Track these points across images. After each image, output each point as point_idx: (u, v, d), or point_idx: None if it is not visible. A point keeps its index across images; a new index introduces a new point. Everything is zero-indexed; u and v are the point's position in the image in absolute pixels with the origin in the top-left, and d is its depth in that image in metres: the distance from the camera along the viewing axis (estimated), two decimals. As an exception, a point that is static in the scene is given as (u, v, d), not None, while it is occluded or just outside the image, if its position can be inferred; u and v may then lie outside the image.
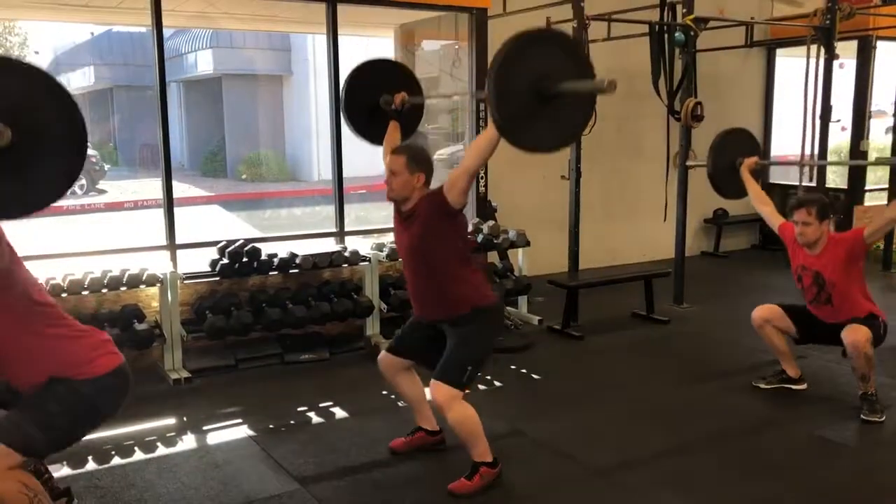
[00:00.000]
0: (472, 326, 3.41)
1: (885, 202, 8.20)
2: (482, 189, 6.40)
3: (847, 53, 7.81)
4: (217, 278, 5.14)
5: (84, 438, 2.77)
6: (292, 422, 4.26)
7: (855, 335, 4.10)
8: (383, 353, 3.76)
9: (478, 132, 6.22)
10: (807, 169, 6.98)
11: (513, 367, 5.13)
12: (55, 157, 2.39)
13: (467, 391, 3.39)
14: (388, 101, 4.07)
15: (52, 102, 2.37)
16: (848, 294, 4.25)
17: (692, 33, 6.12)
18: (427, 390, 3.59)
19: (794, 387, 4.60)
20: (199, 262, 5.28)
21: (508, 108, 2.88)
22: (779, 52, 8.96)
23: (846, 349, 4.18)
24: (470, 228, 6.08)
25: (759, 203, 4.78)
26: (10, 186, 2.34)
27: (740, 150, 4.99)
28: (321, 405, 4.49)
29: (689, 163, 6.27)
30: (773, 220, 4.65)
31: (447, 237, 3.38)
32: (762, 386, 4.63)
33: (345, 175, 5.94)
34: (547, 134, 3.01)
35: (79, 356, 2.65)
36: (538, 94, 2.91)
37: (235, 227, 12.35)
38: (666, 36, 6.18)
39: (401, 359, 3.69)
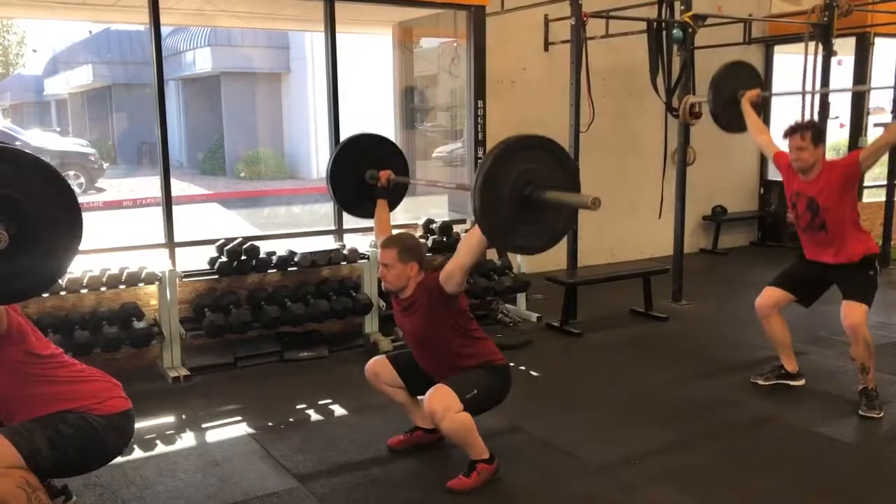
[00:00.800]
0: (482, 372, 3.50)
1: (884, 199, 8.22)
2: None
3: (845, 50, 7.82)
4: (216, 276, 5.14)
5: (82, 475, 2.90)
6: (291, 419, 4.27)
7: (851, 316, 4.11)
8: (375, 360, 3.79)
9: (476, 130, 6.22)
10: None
11: (511, 364, 5.11)
12: (52, 240, 2.41)
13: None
14: (374, 177, 4.19)
15: (45, 187, 2.38)
16: (842, 222, 4.21)
17: (690, 30, 6.12)
18: (421, 397, 3.58)
19: (792, 383, 4.60)
20: (197, 260, 5.28)
21: (494, 218, 2.92)
22: (777, 48, 8.96)
23: (846, 331, 4.17)
24: (468, 227, 6.09)
25: (757, 132, 4.79)
26: (9, 270, 2.36)
27: (742, 83, 4.99)
28: (320, 403, 4.49)
29: (693, 100, 6.13)
30: (769, 149, 4.67)
31: (450, 319, 3.47)
32: (760, 382, 4.63)
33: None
34: (532, 238, 3.05)
35: (93, 395, 2.75)
36: (523, 199, 2.93)
37: (234, 225, 12.34)
38: (664, 33, 6.18)
39: (393, 373, 3.73)
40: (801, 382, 4.61)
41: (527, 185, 2.92)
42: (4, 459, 2.52)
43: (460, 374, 3.45)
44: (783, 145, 4.44)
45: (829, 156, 8.50)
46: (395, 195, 4.28)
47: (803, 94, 6.88)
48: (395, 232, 3.89)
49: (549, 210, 3.01)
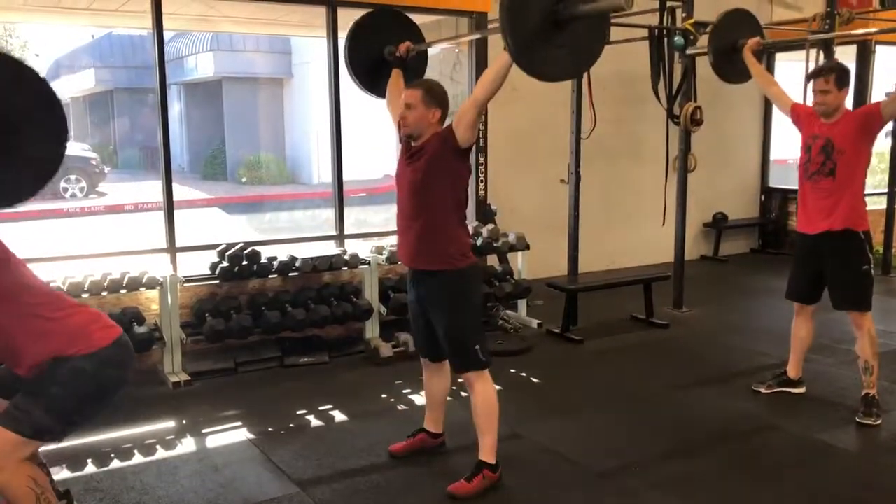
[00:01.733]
0: (449, 292, 3.38)
1: (885, 207, 8.22)
2: (482, 192, 6.41)
3: (846, 58, 7.82)
4: (217, 281, 5.15)
5: (98, 415, 2.80)
6: (292, 425, 4.26)
7: (859, 321, 4.16)
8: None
9: (477, 136, 6.22)
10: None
11: (512, 370, 5.14)
12: (34, 146, 2.38)
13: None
14: (392, 52, 3.99)
15: (24, 89, 2.34)
16: (850, 174, 4.16)
17: (692, 37, 6.13)
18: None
19: (793, 390, 4.59)
20: (198, 265, 5.29)
21: (523, 32, 2.81)
22: (778, 56, 8.97)
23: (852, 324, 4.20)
24: (469, 231, 6.09)
25: (766, 83, 4.73)
26: None
27: (740, 31, 4.91)
28: (320, 408, 4.49)
29: (689, 51, 6.02)
30: (783, 99, 4.56)
31: (449, 178, 3.32)
32: (762, 390, 4.62)
33: (345, 178, 5.95)
34: (562, 61, 2.95)
35: (75, 331, 2.63)
36: (553, 18, 2.84)
37: (235, 229, 12.36)
38: (665, 40, 6.19)
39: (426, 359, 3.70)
40: (802, 390, 4.61)
41: (558, 2, 2.83)
42: (3, 451, 2.49)
43: (440, 322, 3.39)
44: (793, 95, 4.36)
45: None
46: (415, 68, 4.06)
47: (807, 42, 6.85)
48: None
49: (579, 30, 2.91)
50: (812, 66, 6.84)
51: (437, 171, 3.30)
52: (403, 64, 3.99)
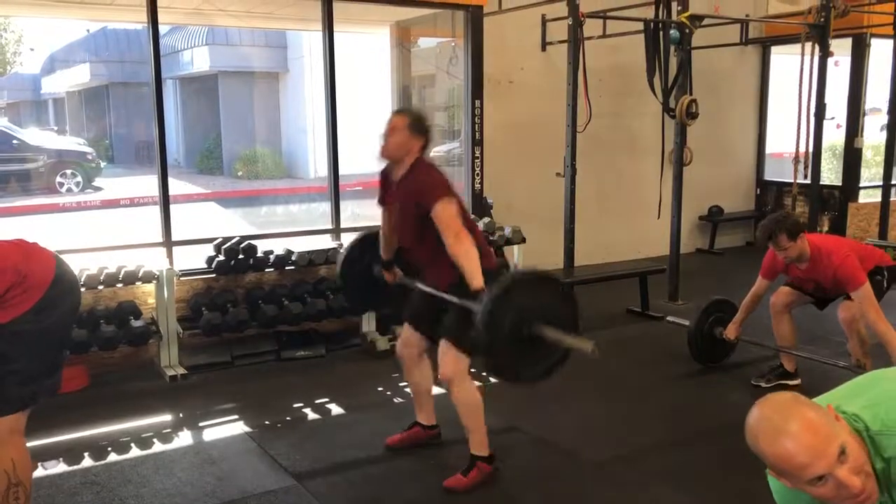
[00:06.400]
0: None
1: (879, 200, 8.24)
2: (478, 186, 6.41)
3: (841, 51, 7.84)
4: (213, 275, 5.15)
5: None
6: (288, 418, 4.28)
7: (846, 311, 4.21)
8: (401, 335, 3.70)
9: (474, 130, 6.22)
10: (801, 166, 6.99)
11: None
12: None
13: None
14: (379, 272, 3.82)
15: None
16: (849, 280, 4.19)
17: (687, 31, 6.13)
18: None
19: (789, 382, 4.62)
20: (195, 259, 5.29)
21: (497, 352, 2.98)
22: (773, 49, 8.98)
23: (841, 325, 4.27)
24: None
25: (753, 303, 4.66)
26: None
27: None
28: (317, 401, 4.50)
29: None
30: (762, 288, 4.57)
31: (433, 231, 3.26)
32: (763, 385, 4.62)
33: (341, 172, 5.95)
34: (526, 369, 3.09)
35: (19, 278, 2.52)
36: (523, 332, 2.95)
37: (231, 224, 12.34)
38: (661, 33, 6.20)
39: (417, 334, 3.62)
40: (797, 382, 4.64)
41: (525, 325, 2.95)
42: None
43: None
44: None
45: (825, 156, 8.56)
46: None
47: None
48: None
49: (544, 346, 3.04)
50: (807, 60, 6.88)
51: (423, 212, 3.24)
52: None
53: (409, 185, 3.33)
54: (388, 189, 3.52)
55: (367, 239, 3.90)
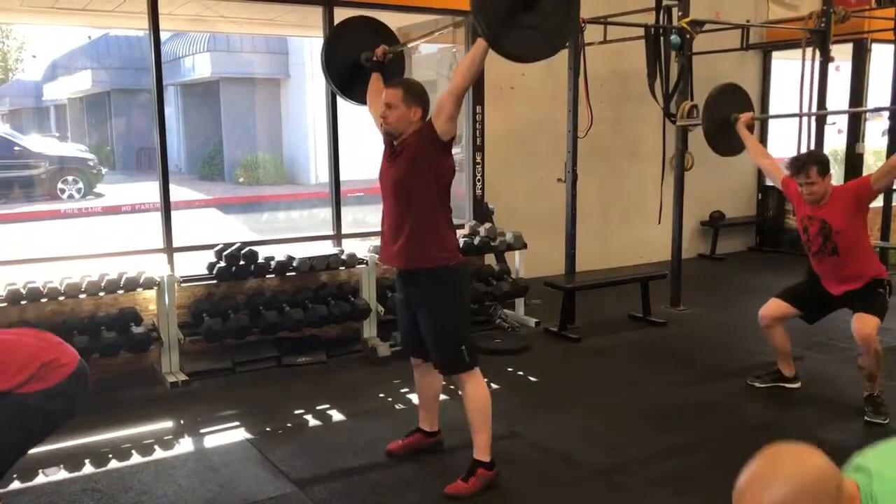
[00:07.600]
0: (436, 290, 3.38)
1: (882, 205, 8.24)
2: (479, 191, 6.41)
3: (842, 56, 7.85)
4: (214, 281, 5.15)
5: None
6: (289, 425, 4.27)
7: (864, 327, 4.08)
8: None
9: (475, 135, 6.24)
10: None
11: (510, 369, 5.14)
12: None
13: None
14: (369, 57, 4.04)
15: None
16: (853, 246, 4.21)
17: (688, 36, 6.14)
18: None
19: (788, 385, 4.62)
20: (196, 265, 5.29)
21: (493, 12, 2.88)
22: (774, 54, 8.98)
23: (857, 341, 4.15)
24: (467, 231, 6.10)
25: (759, 156, 4.80)
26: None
27: (734, 106, 4.99)
28: (318, 408, 4.49)
29: (680, 123, 6.12)
30: (775, 173, 4.63)
31: (431, 174, 3.30)
32: (757, 385, 4.65)
33: (342, 178, 5.95)
34: (534, 42, 3.01)
35: (23, 368, 2.62)
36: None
37: (232, 230, 12.35)
38: (662, 39, 6.20)
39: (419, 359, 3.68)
40: (797, 385, 4.64)
41: None
42: None
43: (424, 322, 3.40)
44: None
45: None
46: (392, 70, 4.08)
47: (800, 115, 6.91)
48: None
49: (547, 10, 2.97)
50: (808, 65, 6.88)
51: (420, 167, 3.29)
52: (381, 67, 4.04)
53: (411, 143, 3.31)
54: (386, 159, 3.48)
55: (354, 24, 4.16)
